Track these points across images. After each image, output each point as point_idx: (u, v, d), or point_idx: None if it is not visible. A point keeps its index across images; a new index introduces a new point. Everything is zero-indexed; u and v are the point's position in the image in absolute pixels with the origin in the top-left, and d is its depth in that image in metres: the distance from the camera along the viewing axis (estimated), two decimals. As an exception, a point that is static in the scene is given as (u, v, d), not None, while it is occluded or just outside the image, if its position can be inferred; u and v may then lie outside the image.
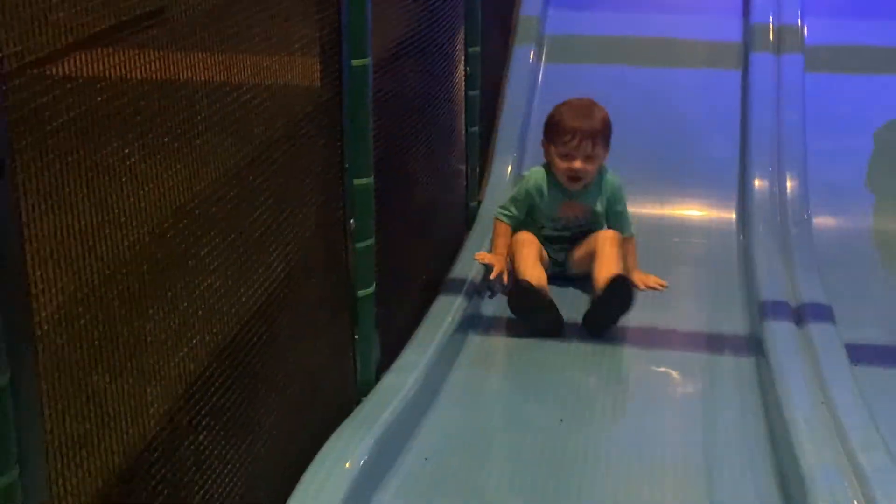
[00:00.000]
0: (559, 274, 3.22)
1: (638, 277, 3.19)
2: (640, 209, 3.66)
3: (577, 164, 3.07)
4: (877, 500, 1.94)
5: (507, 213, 3.24)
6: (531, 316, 2.92)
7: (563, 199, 3.16)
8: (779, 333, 2.79)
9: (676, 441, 2.52)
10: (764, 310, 2.96)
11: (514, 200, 3.24)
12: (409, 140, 2.90)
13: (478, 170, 3.79)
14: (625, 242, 3.19)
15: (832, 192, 3.72)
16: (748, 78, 4.08)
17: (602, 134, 3.13)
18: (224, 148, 1.82)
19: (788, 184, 3.70)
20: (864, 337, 3.00)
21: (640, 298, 3.03)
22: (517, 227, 3.25)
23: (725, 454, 2.44)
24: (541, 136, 3.77)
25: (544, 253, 3.18)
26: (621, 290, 2.87)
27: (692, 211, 3.83)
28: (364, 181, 2.31)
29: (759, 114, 3.94)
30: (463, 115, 3.58)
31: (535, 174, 3.22)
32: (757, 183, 3.71)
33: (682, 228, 3.77)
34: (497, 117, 4.03)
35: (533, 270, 3.04)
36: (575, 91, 4.04)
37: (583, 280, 3.17)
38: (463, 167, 3.63)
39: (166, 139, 1.61)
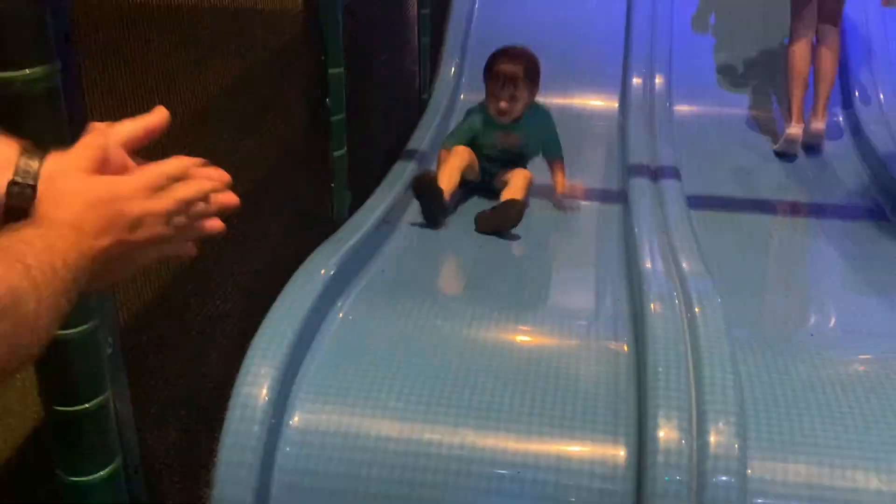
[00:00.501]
0: (486, 185, 3.02)
1: (563, 186, 3.03)
2: (552, 100, 3.69)
3: (503, 103, 2.90)
4: (692, 297, 2.02)
5: (450, 139, 3.06)
6: (422, 199, 2.74)
7: (498, 131, 2.98)
8: (638, 187, 2.91)
9: (567, 252, 2.65)
10: (630, 170, 3.08)
11: (455, 132, 3.09)
12: (374, 45, 2.93)
13: (428, 71, 3.80)
14: (555, 162, 3.05)
15: (688, 88, 3.82)
16: (631, 5, 4.10)
17: (525, 77, 2.92)
18: (239, 53, 1.87)
19: (657, 81, 3.79)
20: (699, 190, 3.11)
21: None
22: None
23: (597, 264, 2.58)
24: (476, 49, 3.85)
25: (475, 165, 2.98)
26: (509, 210, 2.70)
27: (589, 101, 3.90)
28: (337, 70, 2.34)
29: (638, 33, 4.00)
30: (416, 29, 3.59)
31: (474, 112, 3.05)
32: (634, 80, 3.80)
33: (581, 113, 3.83)
34: (444, 31, 4.02)
35: (444, 175, 2.84)
36: (503, 10, 4.13)
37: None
38: (417, 69, 3.65)
39: (195, 47, 1.65)
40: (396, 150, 3.21)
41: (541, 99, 3.62)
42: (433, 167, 3.10)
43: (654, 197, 2.81)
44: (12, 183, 0.81)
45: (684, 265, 2.25)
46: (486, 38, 3.96)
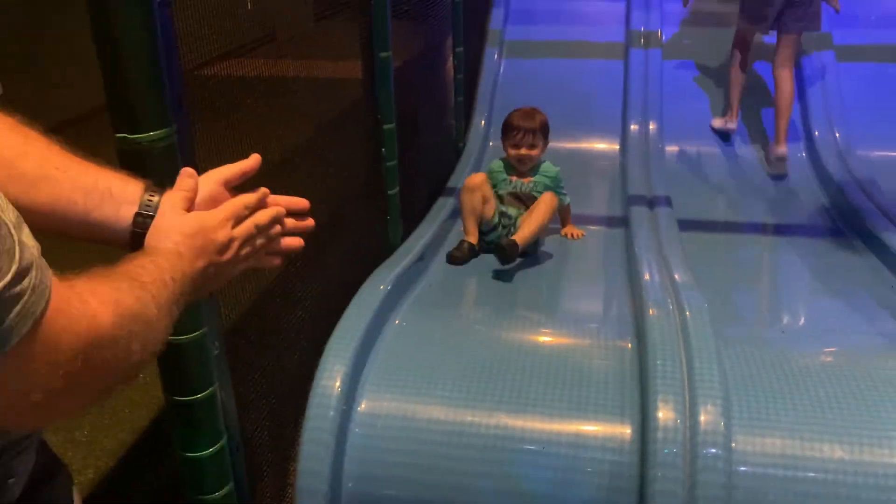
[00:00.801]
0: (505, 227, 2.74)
1: (568, 230, 2.90)
2: (562, 145, 3.69)
3: (523, 150, 2.76)
4: (683, 303, 2.00)
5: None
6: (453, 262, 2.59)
7: (513, 174, 2.82)
8: (637, 213, 2.89)
9: (578, 269, 2.64)
10: (630, 200, 3.06)
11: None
12: (419, 105, 2.97)
13: (463, 123, 3.82)
14: (563, 208, 2.87)
15: (677, 132, 3.80)
16: (628, 64, 4.09)
17: (540, 130, 2.78)
18: (315, 113, 1.91)
19: (651, 127, 3.76)
20: (687, 215, 3.07)
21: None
22: None
23: (605, 279, 2.57)
24: (501, 105, 3.86)
25: (490, 199, 2.71)
26: (504, 251, 2.48)
27: (593, 144, 3.88)
28: (390, 126, 2.36)
29: (634, 87, 3.97)
30: (453, 90, 3.62)
31: (494, 163, 2.89)
32: (632, 127, 3.78)
33: (587, 155, 3.81)
34: (475, 91, 4.05)
35: (469, 227, 2.66)
36: (523, 75, 4.14)
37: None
38: (453, 122, 3.68)
39: (280, 110, 1.69)
40: (438, 189, 3.23)
41: (556, 144, 3.63)
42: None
43: (651, 222, 2.79)
44: (138, 214, 0.85)
45: (676, 277, 2.24)
46: (509, 97, 4.00)
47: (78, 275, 0.65)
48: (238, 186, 0.95)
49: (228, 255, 0.86)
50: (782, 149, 3.54)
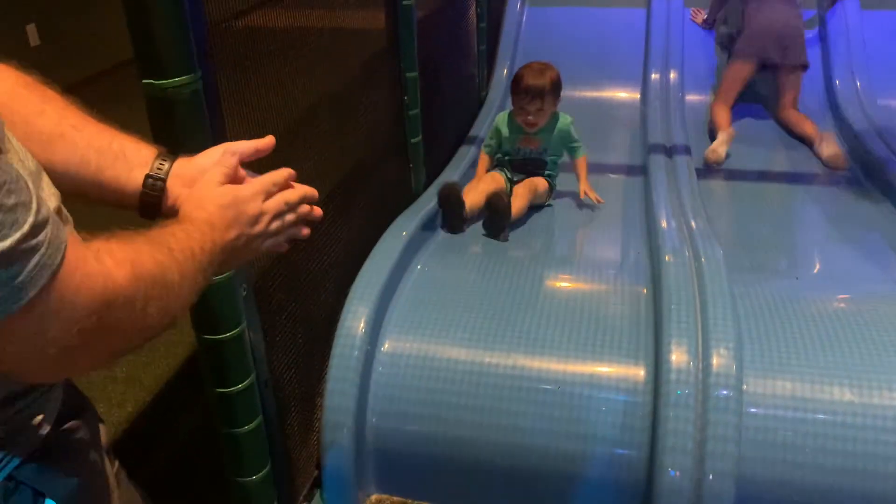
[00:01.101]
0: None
1: (584, 187, 2.62)
2: (583, 93, 3.66)
3: (531, 116, 2.53)
4: (699, 249, 1.97)
5: (486, 146, 2.73)
6: (444, 209, 2.37)
7: (521, 135, 2.61)
8: (656, 162, 2.82)
9: (597, 216, 2.59)
10: (649, 148, 3.00)
11: (490, 135, 2.73)
12: (441, 54, 2.90)
13: (485, 73, 3.73)
14: (579, 161, 2.63)
15: (698, 82, 3.70)
16: (650, 13, 3.95)
17: (550, 91, 2.51)
18: (338, 62, 1.86)
19: (671, 75, 3.66)
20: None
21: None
22: (492, 155, 2.72)
23: (623, 226, 2.52)
24: (523, 54, 3.77)
25: (502, 184, 2.55)
26: (497, 209, 2.34)
27: (616, 93, 3.77)
28: (412, 74, 2.32)
29: (656, 36, 3.84)
30: (475, 39, 3.52)
31: (500, 117, 2.68)
32: (653, 76, 3.67)
33: (610, 103, 3.72)
34: (498, 41, 3.94)
35: (471, 192, 2.45)
36: (545, 24, 4.04)
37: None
38: (476, 71, 3.59)
39: (304, 59, 1.64)
40: (460, 137, 3.18)
41: (577, 93, 3.58)
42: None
43: (669, 170, 2.74)
44: (148, 176, 0.84)
45: (692, 224, 2.21)
46: (532, 46, 3.91)
47: (96, 235, 0.64)
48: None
49: (259, 227, 0.87)
50: (834, 146, 3.14)
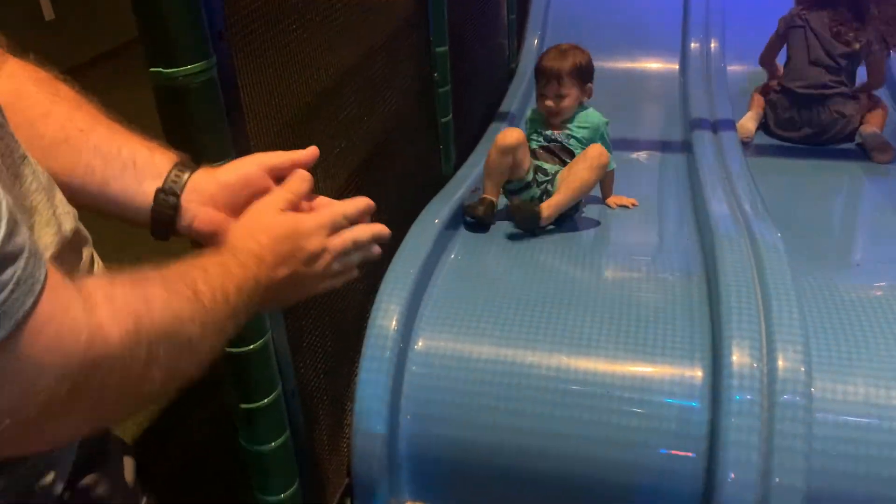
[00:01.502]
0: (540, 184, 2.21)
1: (612, 200, 2.33)
2: (618, 65, 3.49)
3: (549, 101, 2.22)
4: (756, 236, 1.85)
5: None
6: (471, 222, 2.14)
7: (547, 125, 2.28)
8: (700, 137, 2.67)
9: (638, 198, 2.40)
10: (693, 123, 2.83)
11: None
12: (470, 25, 2.76)
13: (515, 43, 3.58)
14: (606, 173, 2.23)
15: (740, 51, 3.50)
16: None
17: (571, 74, 2.19)
18: (363, 36, 1.75)
19: (712, 45, 3.47)
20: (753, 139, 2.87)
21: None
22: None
23: (667, 209, 2.38)
24: (554, 24, 3.60)
25: (523, 161, 2.14)
26: (529, 217, 2.08)
27: (652, 64, 3.59)
28: (442, 49, 2.21)
29: (695, 3, 3.66)
30: (505, 8, 3.36)
31: (529, 111, 2.41)
32: (692, 45, 3.48)
33: (645, 75, 3.54)
34: (528, 9, 3.77)
35: (490, 189, 2.15)
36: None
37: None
38: (505, 41, 3.44)
39: (328, 36, 1.53)
40: (490, 114, 3.04)
41: (611, 64, 3.41)
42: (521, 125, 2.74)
43: (715, 146, 2.58)
44: (160, 191, 0.72)
45: (746, 207, 2.06)
46: (563, 14, 3.73)
47: (112, 272, 0.52)
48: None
49: (317, 267, 0.74)
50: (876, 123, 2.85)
